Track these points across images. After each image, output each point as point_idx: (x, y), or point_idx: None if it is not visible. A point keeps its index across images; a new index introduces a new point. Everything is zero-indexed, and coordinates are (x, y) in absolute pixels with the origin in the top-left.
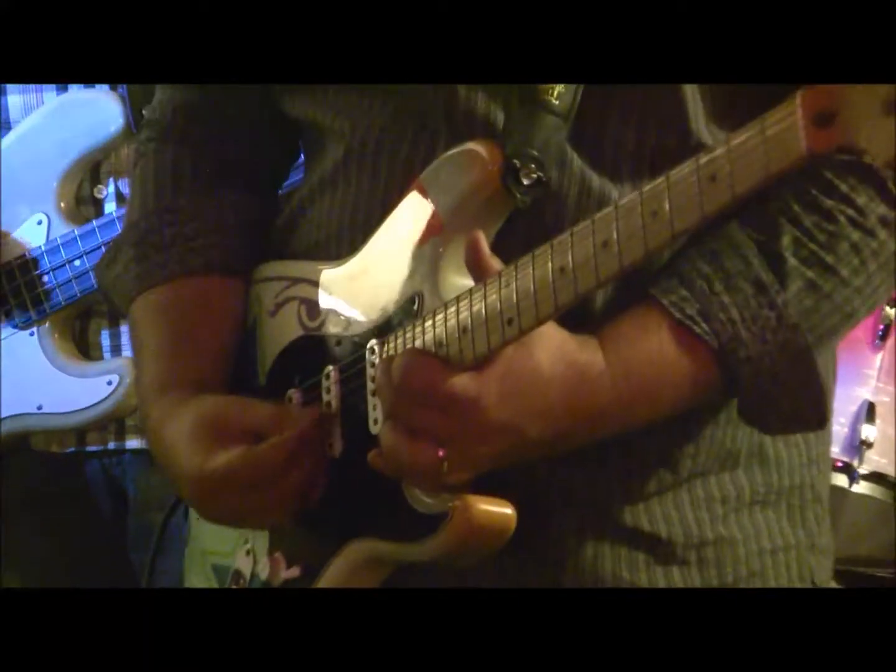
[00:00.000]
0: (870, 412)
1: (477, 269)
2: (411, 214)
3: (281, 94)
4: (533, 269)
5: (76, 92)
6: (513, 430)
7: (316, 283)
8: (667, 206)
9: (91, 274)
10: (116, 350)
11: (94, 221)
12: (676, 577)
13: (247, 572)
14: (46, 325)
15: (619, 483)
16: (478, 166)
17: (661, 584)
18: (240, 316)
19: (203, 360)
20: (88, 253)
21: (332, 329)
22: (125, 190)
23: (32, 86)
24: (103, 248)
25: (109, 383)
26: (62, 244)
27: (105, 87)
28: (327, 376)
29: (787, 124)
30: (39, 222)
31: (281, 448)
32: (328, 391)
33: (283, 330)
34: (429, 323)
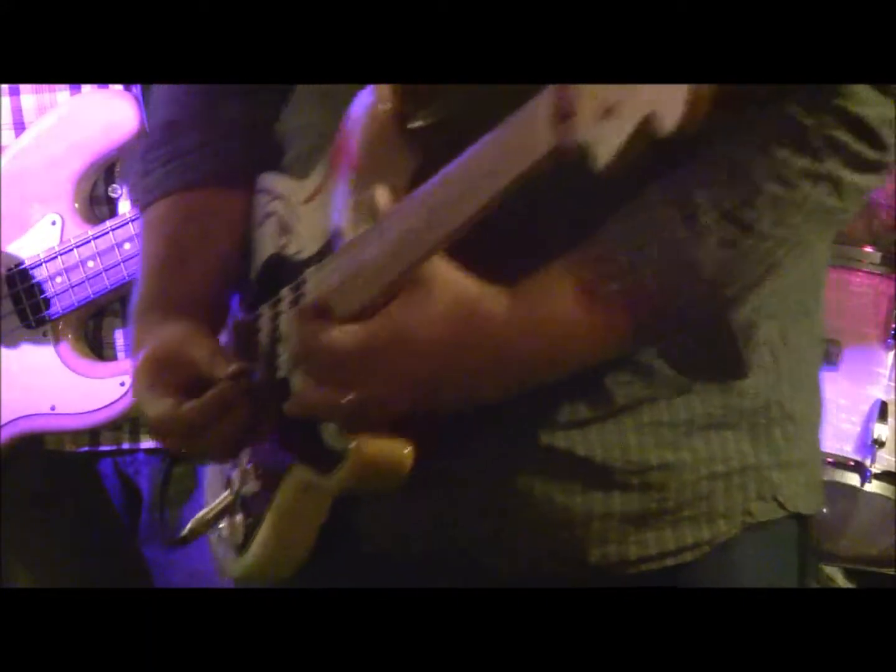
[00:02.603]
0: (882, 411)
1: (368, 217)
2: (342, 147)
3: None
4: (399, 217)
5: (90, 93)
6: (409, 370)
7: (287, 200)
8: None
9: (104, 276)
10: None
11: (107, 222)
12: (616, 502)
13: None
14: (60, 325)
15: (550, 409)
16: (372, 111)
17: (596, 509)
18: (235, 228)
19: (192, 276)
20: (102, 255)
21: (291, 250)
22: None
23: (46, 86)
24: (117, 250)
25: (122, 384)
26: (76, 245)
27: (119, 87)
28: (281, 299)
29: (532, 120)
30: (53, 223)
31: (198, 410)
32: (281, 314)
33: (264, 244)
34: (330, 266)
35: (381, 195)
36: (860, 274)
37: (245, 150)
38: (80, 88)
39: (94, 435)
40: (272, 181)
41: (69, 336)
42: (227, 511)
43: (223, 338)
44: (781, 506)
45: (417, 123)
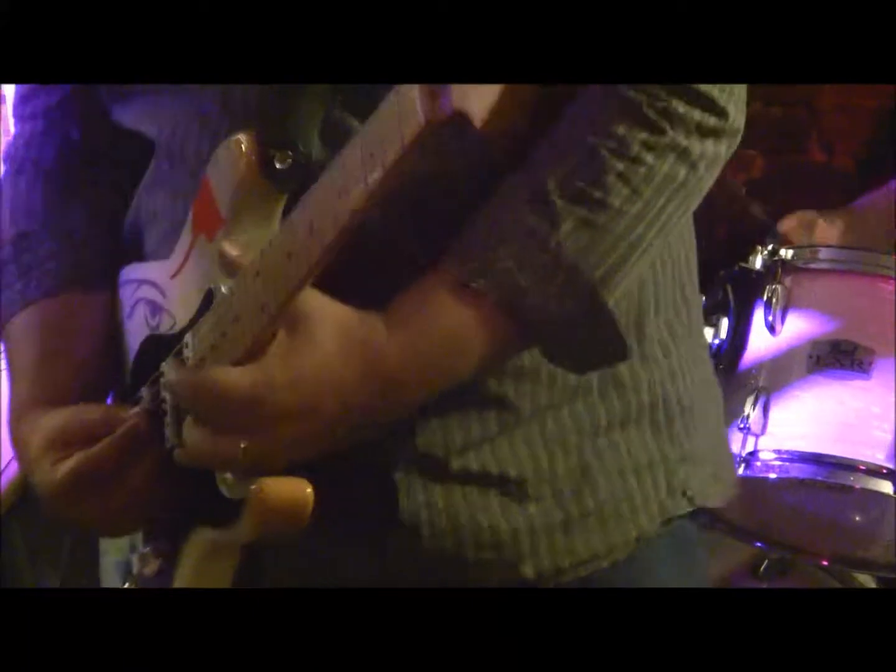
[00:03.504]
0: None
1: (231, 270)
2: (203, 208)
3: (111, 106)
4: (265, 256)
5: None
6: (305, 411)
7: (153, 283)
8: (341, 185)
9: None
10: None
11: None
12: (534, 513)
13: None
14: None
15: (457, 429)
16: (235, 159)
17: (521, 524)
18: (100, 327)
19: (59, 379)
20: None
21: (165, 327)
22: None
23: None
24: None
25: None
26: None
27: None
28: (161, 374)
29: (407, 98)
30: None
31: (111, 446)
32: (163, 387)
33: (135, 332)
34: (207, 323)
35: (228, 245)
36: (892, 281)
37: (98, 252)
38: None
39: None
40: (135, 270)
41: None
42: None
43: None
44: (690, 500)
45: (281, 166)
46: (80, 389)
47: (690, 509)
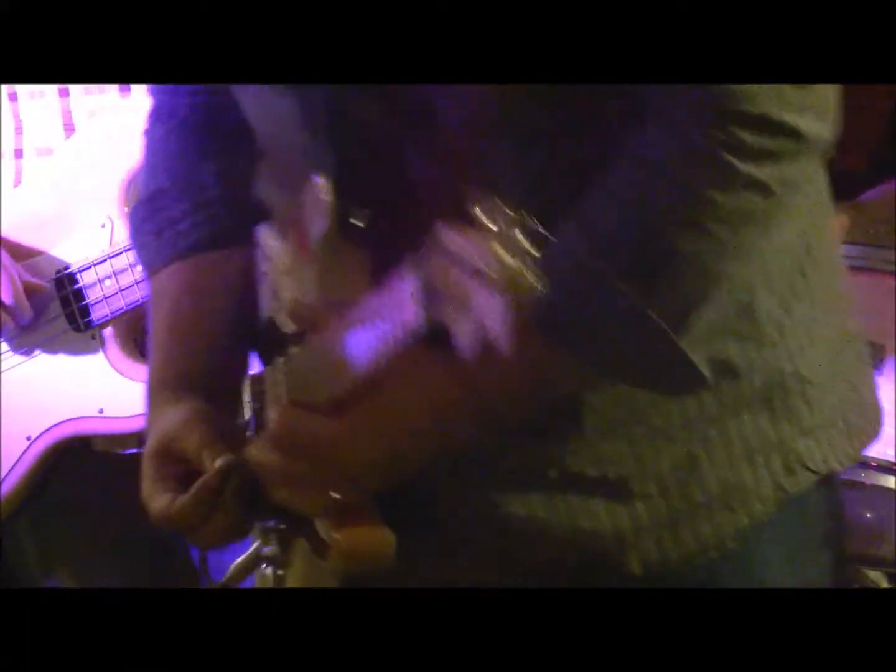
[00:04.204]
0: None
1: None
2: (297, 234)
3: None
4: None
5: (139, 94)
6: (387, 459)
7: (275, 265)
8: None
9: None
10: None
11: None
12: (642, 513)
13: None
14: (109, 328)
15: (554, 431)
16: (319, 206)
17: (626, 524)
18: (237, 288)
19: (198, 350)
20: None
21: (279, 321)
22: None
23: (95, 88)
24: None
25: None
26: (126, 249)
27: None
28: (263, 380)
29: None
30: (103, 225)
31: (188, 505)
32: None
33: (263, 301)
34: (302, 361)
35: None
36: None
37: (229, 212)
38: (129, 90)
39: (141, 437)
40: (265, 237)
41: (118, 339)
42: (258, 560)
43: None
44: (813, 471)
45: (355, 219)
46: (222, 356)
47: (816, 479)
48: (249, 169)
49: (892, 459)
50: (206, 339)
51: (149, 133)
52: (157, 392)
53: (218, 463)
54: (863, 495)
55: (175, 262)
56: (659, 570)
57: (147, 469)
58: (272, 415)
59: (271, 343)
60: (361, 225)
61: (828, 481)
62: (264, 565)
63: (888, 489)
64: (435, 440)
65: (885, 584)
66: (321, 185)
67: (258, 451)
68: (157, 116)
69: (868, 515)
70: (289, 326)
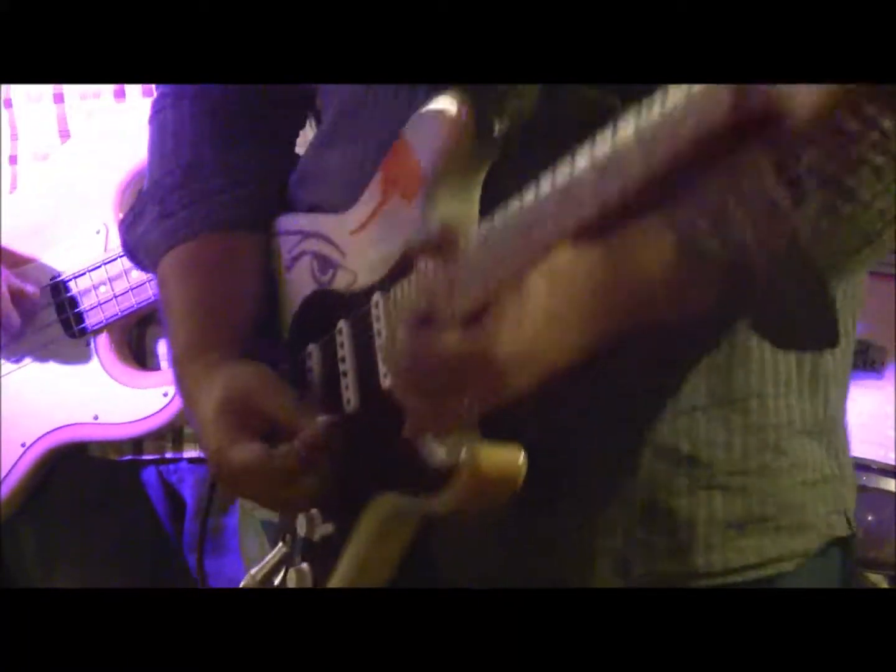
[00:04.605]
0: None
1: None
2: (398, 168)
3: None
4: (496, 231)
5: (135, 100)
6: (529, 360)
7: (325, 237)
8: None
9: (149, 286)
10: None
11: None
12: (718, 504)
13: (290, 529)
14: (104, 334)
15: (656, 395)
16: (449, 123)
17: (703, 512)
18: (265, 271)
19: (233, 319)
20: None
21: (341, 283)
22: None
23: (91, 93)
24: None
25: (165, 395)
26: (120, 255)
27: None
28: (340, 332)
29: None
30: (98, 231)
31: (293, 457)
32: (342, 346)
33: (298, 285)
34: (409, 288)
35: (446, 227)
36: None
37: (261, 195)
38: (124, 96)
39: (137, 444)
40: (299, 221)
41: (112, 346)
42: (283, 563)
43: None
44: (849, 522)
45: (497, 130)
46: (247, 332)
47: (850, 533)
48: (283, 160)
49: (892, 463)
50: (240, 309)
51: (174, 105)
52: (201, 354)
53: (325, 419)
54: (864, 499)
55: (207, 234)
56: (719, 574)
57: (221, 421)
58: (400, 335)
59: (313, 318)
60: (500, 134)
61: (849, 544)
62: (296, 564)
63: (888, 492)
64: (575, 334)
65: (886, 587)
66: (455, 104)
67: (397, 376)
68: (183, 91)
69: (868, 518)
70: (360, 282)
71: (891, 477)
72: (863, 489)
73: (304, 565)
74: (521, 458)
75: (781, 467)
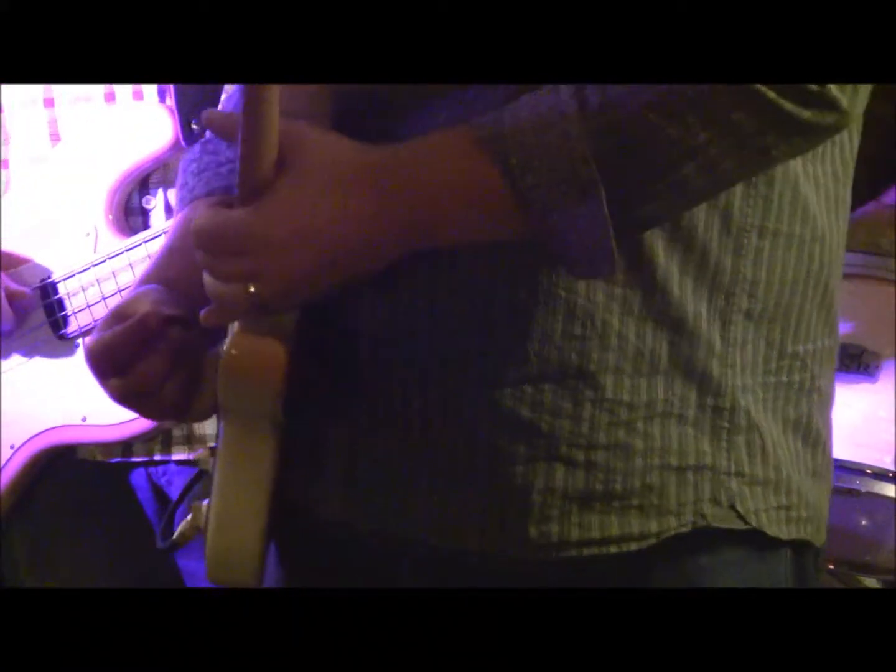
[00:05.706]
0: None
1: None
2: None
3: None
4: None
5: (125, 104)
6: (303, 241)
7: None
8: None
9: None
10: None
11: (140, 234)
12: (559, 477)
13: None
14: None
15: (510, 355)
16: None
17: (540, 482)
18: None
19: (173, 270)
20: (135, 266)
21: None
22: (174, 200)
23: (82, 97)
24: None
25: None
26: (109, 257)
27: (154, 98)
28: None
29: None
30: (87, 234)
31: (122, 333)
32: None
33: None
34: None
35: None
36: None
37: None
38: (114, 99)
39: (126, 446)
40: None
41: None
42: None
43: None
44: (740, 516)
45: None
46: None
47: (743, 526)
48: None
49: (887, 467)
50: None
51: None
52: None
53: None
54: (858, 503)
55: (200, 198)
56: (555, 546)
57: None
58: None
59: None
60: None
61: (797, 548)
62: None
63: (884, 497)
64: (353, 221)
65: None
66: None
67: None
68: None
69: (863, 523)
70: None
71: (886, 482)
72: (856, 493)
73: (205, 501)
74: (282, 353)
75: (635, 446)
